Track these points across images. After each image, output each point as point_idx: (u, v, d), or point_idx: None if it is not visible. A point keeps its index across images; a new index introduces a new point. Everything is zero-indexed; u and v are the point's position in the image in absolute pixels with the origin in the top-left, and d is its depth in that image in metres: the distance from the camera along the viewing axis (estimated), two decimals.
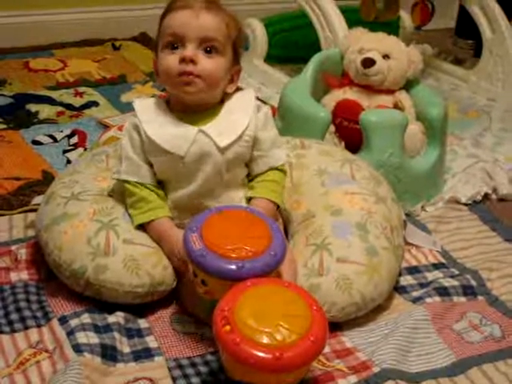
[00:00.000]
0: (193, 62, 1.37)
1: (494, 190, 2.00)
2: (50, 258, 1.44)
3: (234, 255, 1.25)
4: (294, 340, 1.12)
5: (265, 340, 1.11)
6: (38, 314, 1.40)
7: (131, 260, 1.40)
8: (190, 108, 1.44)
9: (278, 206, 1.51)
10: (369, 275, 1.43)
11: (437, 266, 1.66)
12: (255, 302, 1.17)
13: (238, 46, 1.46)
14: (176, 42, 1.39)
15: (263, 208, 1.44)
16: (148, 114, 1.45)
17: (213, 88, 1.42)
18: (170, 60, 1.39)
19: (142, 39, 3.08)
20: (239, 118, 1.45)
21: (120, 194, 1.51)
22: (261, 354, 1.10)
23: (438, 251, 1.71)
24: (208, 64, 1.39)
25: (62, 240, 1.43)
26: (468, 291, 1.56)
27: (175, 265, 1.42)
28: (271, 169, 1.50)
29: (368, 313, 1.46)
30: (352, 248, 1.46)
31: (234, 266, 1.24)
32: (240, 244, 1.27)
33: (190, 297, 1.40)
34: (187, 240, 1.28)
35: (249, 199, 1.49)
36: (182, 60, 1.38)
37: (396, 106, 1.96)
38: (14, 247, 1.59)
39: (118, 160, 1.51)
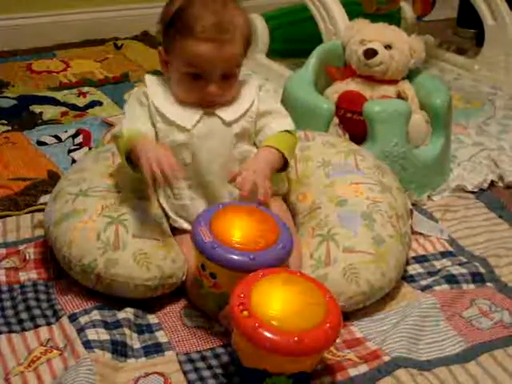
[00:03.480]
0: (217, 94, 1.44)
1: (500, 178, 1.99)
2: (60, 254, 1.45)
3: (245, 247, 1.26)
4: (312, 326, 1.14)
5: (283, 325, 1.13)
6: (48, 313, 1.41)
7: (141, 254, 1.40)
8: None
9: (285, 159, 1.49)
10: (376, 264, 1.43)
11: (445, 255, 1.66)
12: (270, 289, 1.19)
13: (250, 39, 1.49)
14: (198, 73, 1.43)
15: (264, 153, 1.45)
16: (157, 89, 1.49)
17: (231, 95, 1.49)
18: (192, 87, 1.45)
19: (144, 38, 3.08)
20: (244, 99, 1.51)
21: (128, 190, 1.51)
22: (281, 338, 1.12)
23: (445, 239, 1.71)
24: (228, 87, 1.46)
25: (71, 236, 1.43)
26: (477, 278, 1.55)
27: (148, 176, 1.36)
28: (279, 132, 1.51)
29: (377, 302, 1.46)
30: (358, 237, 1.46)
31: (246, 258, 1.25)
32: (250, 237, 1.28)
33: (196, 292, 1.40)
34: (196, 233, 1.29)
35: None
36: (206, 94, 1.44)
37: (399, 96, 1.96)
38: (21, 247, 1.60)
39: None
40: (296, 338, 1.12)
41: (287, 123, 1.53)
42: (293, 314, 1.15)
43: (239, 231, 1.29)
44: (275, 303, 1.16)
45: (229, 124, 1.48)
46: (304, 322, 1.15)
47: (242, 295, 1.17)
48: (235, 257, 1.25)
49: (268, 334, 1.12)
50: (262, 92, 1.54)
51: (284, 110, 1.57)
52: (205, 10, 1.41)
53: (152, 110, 1.47)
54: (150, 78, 1.52)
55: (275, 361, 1.15)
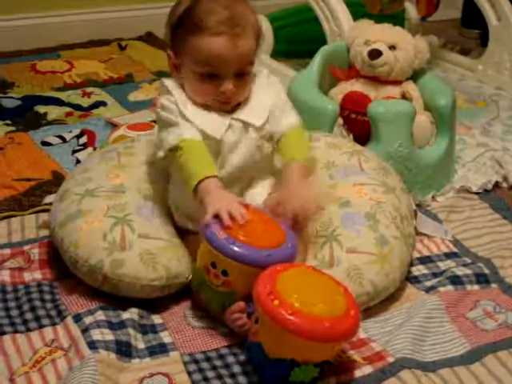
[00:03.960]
0: (232, 93, 1.42)
1: (505, 179, 1.99)
2: (66, 254, 1.45)
3: (260, 244, 1.28)
4: (339, 313, 1.19)
5: (314, 311, 1.17)
6: (53, 313, 1.41)
7: (147, 254, 1.41)
8: None
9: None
10: (380, 264, 1.43)
11: (449, 255, 1.65)
12: (293, 281, 1.23)
13: (260, 35, 1.49)
14: (212, 72, 1.41)
15: (297, 178, 1.44)
16: (180, 95, 1.46)
17: (246, 93, 1.47)
18: (206, 88, 1.42)
19: (148, 38, 3.09)
20: (263, 97, 1.49)
21: (134, 189, 1.51)
22: (314, 325, 1.16)
23: (449, 240, 1.71)
24: (244, 87, 1.44)
25: (77, 236, 1.44)
26: (481, 279, 1.55)
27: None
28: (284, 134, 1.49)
29: (381, 303, 1.46)
30: (362, 238, 1.46)
31: (263, 254, 1.27)
32: (261, 235, 1.31)
33: (200, 293, 1.40)
34: (210, 231, 1.30)
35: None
36: (221, 93, 1.42)
37: (404, 97, 1.96)
38: (26, 247, 1.60)
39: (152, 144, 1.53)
40: (327, 324, 1.16)
41: (294, 117, 1.52)
42: (319, 302, 1.19)
43: (250, 230, 1.31)
44: (301, 293, 1.20)
45: (259, 129, 1.47)
46: (332, 309, 1.19)
47: (269, 286, 1.20)
48: (253, 253, 1.27)
49: (302, 321, 1.15)
50: (270, 81, 1.53)
51: (288, 101, 1.55)
52: (215, 5, 1.39)
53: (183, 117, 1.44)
54: (169, 83, 1.47)
55: (305, 349, 1.19)
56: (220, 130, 1.44)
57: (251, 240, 1.29)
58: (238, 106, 1.47)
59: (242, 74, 1.43)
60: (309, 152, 1.52)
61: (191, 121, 1.42)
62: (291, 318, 1.16)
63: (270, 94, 1.50)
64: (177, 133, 1.41)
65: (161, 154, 1.43)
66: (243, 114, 1.46)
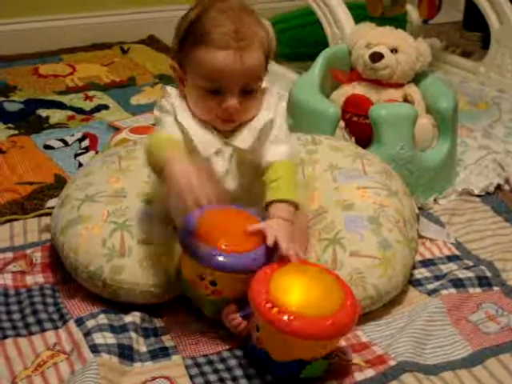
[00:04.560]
0: (236, 110, 1.35)
1: (507, 181, 1.99)
2: (67, 260, 1.45)
3: (243, 248, 1.27)
4: (337, 307, 1.20)
5: (313, 312, 1.18)
6: (55, 317, 1.41)
7: (147, 260, 1.41)
8: None
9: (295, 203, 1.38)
10: (382, 268, 1.43)
11: (451, 258, 1.65)
12: (286, 282, 1.23)
13: (271, 53, 1.41)
14: (217, 88, 1.34)
15: (281, 221, 1.33)
16: (180, 103, 1.40)
17: (252, 115, 1.40)
18: (210, 104, 1.35)
19: (150, 42, 3.09)
20: (260, 116, 1.40)
21: (134, 194, 1.51)
22: (316, 325, 1.17)
23: (451, 243, 1.71)
24: (249, 105, 1.37)
25: (77, 242, 1.44)
26: (483, 282, 1.55)
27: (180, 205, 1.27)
28: (270, 163, 1.38)
29: (383, 306, 1.46)
30: (365, 242, 1.46)
31: (249, 259, 1.27)
32: (241, 237, 1.30)
33: (195, 300, 1.40)
34: (190, 245, 1.29)
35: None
36: (225, 109, 1.34)
37: (405, 100, 1.96)
38: (28, 251, 1.60)
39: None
40: (330, 322, 1.17)
41: (287, 148, 1.40)
42: (316, 299, 1.21)
43: (229, 234, 1.30)
44: (297, 294, 1.21)
45: (246, 151, 1.39)
46: (329, 304, 1.20)
47: (264, 292, 1.20)
48: (238, 260, 1.27)
49: (304, 324, 1.16)
50: (280, 107, 1.43)
51: (287, 132, 1.44)
52: (222, 17, 1.33)
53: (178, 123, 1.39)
54: (173, 92, 1.42)
55: (311, 348, 1.21)
56: (207, 150, 1.38)
57: (234, 246, 1.28)
58: (239, 126, 1.40)
59: (249, 92, 1.35)
60: (296, 191, 1.38)
61: (183, 125, 1.37)
62: (294, 323, 1.16)
63: (269, 112, 1.40)
64: (159, 131, 1.39)
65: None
66: (236, 137, 1.39)
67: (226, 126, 1.39)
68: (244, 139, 1.39)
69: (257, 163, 1.40)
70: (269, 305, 1.18)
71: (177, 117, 1.38)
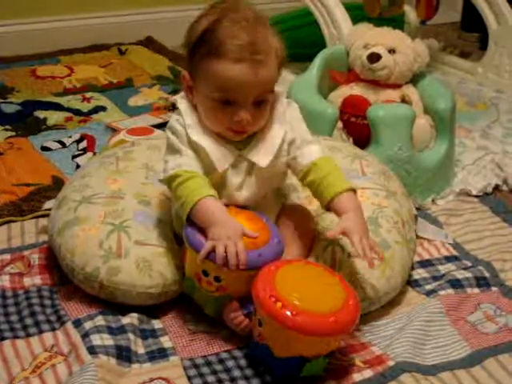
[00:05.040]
0: (247, 122, 1.32)
1: (505, 182, 1.99)
2: (64, 262, 1.45)
3: (249, 245, 1.27)
4: (340, 305, 1.21)
5: (317, 308, 1.19)
6: (53, 318, 1.41)
7: (143, 261, 1.41)
8: None
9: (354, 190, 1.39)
10: (381, 269, 1.43)
11: (449, 259, 1.65)
12: (290, 279, 1.24)
13: (283, 62, 1.38)
14: (229, 99, 1.31)
15: (348, 203, 1.35)
16: (191, 117, 1.37)
17: (262, 125, 1.37)
18: (221, 115, 1.33)
19: (148, 43, 3.09)
20: (275, 132, 1.38)
21: (131, 195, 1.51)
22: (319, 321, 1.18)
23: (449, 244, 1.71)
24: (261, 117, 1.34)
25: (74, 244, 1.44)
26: (481, 282, 1.55)
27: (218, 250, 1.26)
28: (312, 163, 1.39)
29: (381, 307, 1.46)
30: None
31: (254, 255, 1.27)
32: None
33: (197, 298, 1.39)
34: (196, 241, 1.29)
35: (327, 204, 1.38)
36: (236, 122, 1.32)
37: (403, 100, 1.96)
38: (26, 252, 1.60)
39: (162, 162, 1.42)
40: (332, 319, 1.18)
41: (312, 152, 1.40)
42: (319, 297, 1.22)
43: None
44: (301, 290, 1.22)
45: (264, 168, 1.37)
46: (332, 302, 1.22)
47: (268, 288, 1.21)
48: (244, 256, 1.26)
49: (308, 319, 1.17)
50: (290, 114, 1.41)
51: (309, 132, 1.43)
52: (236, 28, 1.29)
53: (191, 142, 1.36)
54: (182, 106, 1.38)
55: (312, 344, 1.22)
56: (223, 164, 1.36)
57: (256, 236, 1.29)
58: (251, 137, 1.38)
59: (261, 102, 1.33)
60: (348, 180, 1.39)
61: (197, 143, 1.34)
62: (297, 318, 1.17)
63: (284, 128, 1.38)
64: (177, 162, 1.35)
65: (160, 176, 1.40)
66: (251, 151, 1.37)
67: (237, 137, 1.36)
68: (262, 156, 1.37)
69: (273, 175, 1.41)
70: (272, 299, 1.19)
71: (190, 137, 1.35)
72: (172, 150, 1.37)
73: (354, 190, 1.38)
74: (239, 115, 1.31)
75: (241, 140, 1.38)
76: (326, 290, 1.25)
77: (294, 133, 1.40)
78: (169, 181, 1.35)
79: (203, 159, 1.36)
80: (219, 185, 1.38)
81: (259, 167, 1.37)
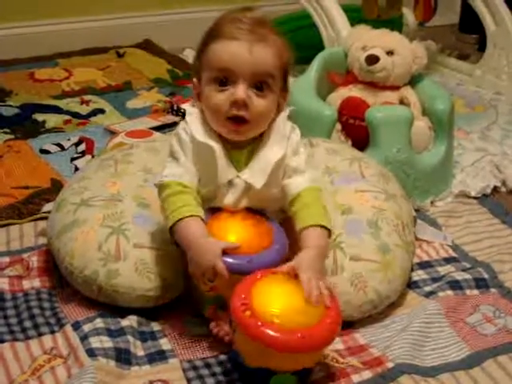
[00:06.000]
0: (245, 104, 1.29)
1: (503, 183, 2.00)
2: (63, 265, 1.45)
3: (243, 250, 1.27)
4: (312, 322, 1.17)
5: (285, 322, 1.15)
6: (52, 321, 1.41)
7: (142, 264, 1.41)
8: (232, 140, 1.36)
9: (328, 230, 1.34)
10: (383, 272, 1.43)
11: (448, 260, 1.65)
12: (270, 289, 1.21)
13: (289, 72, 1.38)
14: (225, 78, 1.30)
15: (312, 250, 1.29)
16: (198, 125, 1.36)
17: (262, 127, 1.35)
18: (219, 99, 1.30)
19: (146, 46, 3.09)
20: (275, 152, 1.35)
21: (130, 198, 1.51)
22: (284, 336, 1.14)
23: (448, 245, 1.71)
24: (260, 105, 1.31)
25: (73, 247, 1.44)
26: (480, 284, 1.55)
27: (197, 274, 1.30)
28: (297, 193, 1.36)
29: (381, 309, 1.46)
30: (364, 246, 1.46)
31: (243, 261, 1.27)
32: (245, 240, 1.30)
33: (196, 295, 1.40)
34: None
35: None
36: (234, 102, 1.30)
37: (402, 102, 1.96)
38: (25, 255, 1.60)
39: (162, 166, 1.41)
40: (299, 335, 1.14)
41: (298, 184, 1.36)
42: (294, 311, 1.18)
43: (234, 235, 1.31)
44: (276, 302, 1.19)
45: (259, 189, 1.34)
46: (306, 318, 1.17)
47: (243, 296, 1.19)
48: (233, 261, 1.26)
49: (271, 332, 1.14)
50: (293, 140, 1.38)
51: (303, 164, 1.39)
52: (241, 19, 1.31)
53: (195, 145, 1.35)
54: (191, 117, 1.37)
55: (279, 359, 1.17)
56: (224, 178, 1.34)
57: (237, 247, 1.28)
58: (250, 157, 1.35)
59: (261, 90, 1.30)
60: (327, 217, 1.35)
61: (206, 144, 1.32)
62: (261, 329, 1.14)
63: (284, 151, 1.36)
64: (173, 171, 1.34)
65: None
66: (248, 173, 1.35)
67: (236, 132, 1.33)
68: (257, 177, 1.35)
69: (269, 196, 1.38)
70: (243, 308, 1.17)
71: (197, 139, 1.33)
72: (172, 156, 1.37)
73: (326, 228, 1.32)
74: (235, 94, 1.29)
75: (239, 149, 1.35)
76: (304, 304, 1.19)
77: (291, 160, 1.38)
78: (160, 188, 1.36)
79: (206, 167, 1.34)
80: (214, 199, 1.37)
81: (255, 189, 1.35)
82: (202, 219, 1.31)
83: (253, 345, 1.17)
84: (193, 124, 1.36)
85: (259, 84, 1.31)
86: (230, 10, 1.37)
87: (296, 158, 1.38)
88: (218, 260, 1.26)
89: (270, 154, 1.36)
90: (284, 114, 1.39)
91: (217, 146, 1.34)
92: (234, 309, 1.18)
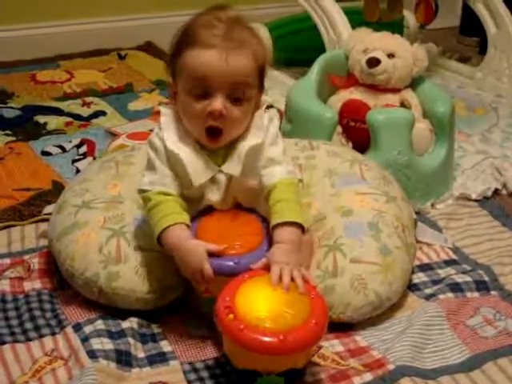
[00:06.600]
0: (221, 115, 1.30)
1: (504, 186, 2.00)
2: (63, 267, 1.45)
3: (230, 252, 1.28)
4: (296, 324, 1.16)
5: (268, 325, 1.15)
6: (53, 322, 1.41)
7: (142, 266, 1.41)
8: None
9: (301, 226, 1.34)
10: (383, 274, 1.43)
11: (449, 263, 1.65)
12: (255, 291, 1.21)
13: (265, 72, 1.37)
14: (202, 89, 1.29)
15: (286, 244, 1.29)
16: (172, 129, 1.36)
17: (239, 132, 1.35)
18: (196, 109, 1.30)
19: (148, 48, 3.09)
20: (250, 140, 1.36)
21: (131, 200, 1.51)
22: (265, 338, 1.14)
23: (449, 248, 1.71)
24: (236, 114, 1.31)
25: (73, 249, 1.44)
26: (481, 286, 1.55)
27: (189, 277, 1.33)
28: (273, 184, 1.35)
29: (381, 311, 1.46)
30: (365, 248, 1.46)
31: (231, 263, 1.27)
32: (234, 241, 1.31)
33: (193, 298, 1.41)
34: None
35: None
36: (210, 113, 1.29)
37: (402, 105, 1.96)
38: (26, 257, 1.60)
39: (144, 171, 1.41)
40: (281, 337, 1.13)
41: (274, 175, 1.35)
42: (278, 313, 1.17)
43: (224, 237, 1.31)
44: (260, 304, 1.19)
45: (238, 178, 1.35)
46: (290, 319, 1.16)
47: (228, 298, 1.19)
48: (221, 262, 1.27)
49: (253, 335, 1.14)
50: (272, 130, 1.38)
51: (281, 155, 1.38)
52: (214, 21, 1.30)
53: (169, 155, 1.35)
54: (165, 119, 1.37)
55: (263, 361, 1.17)
56: (200, 178, 1.34)
57: (224, 248, 1.29)
58: (228, 150, 1.36)
59: (238, 99, 1.30)
60: (301, 212, 1.34)
61: (174, 153, 1.32)
62: (243, 332, 1.14)
63: (258, 138, 1.35)
64: (152, 179, 1.35)
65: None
66: (227, 164, 1.35)
67: (212, 143, 1.34)
68: (234, 165, 1.35)
69: (254, 188, 1.38)
70: (226, 310, 1.17)
71: (168, 147, 1.33)
72: (149, 165, 1.37)
73: (299, 225, 1.32)
74: (212, 105, 1.28)
75: (217, 149, 1.35)
76: (290, 307, 1.18)
77: (268, 150, 1.37)
78: (143, 201, 1.38)
79: (180, 172, 1.35)
80: (198, 200, 1.37)
81: (236, 181, 1.35)
82: (188, 224, 1.32)
83: (237, 347, 1.17)
84: (166, 129, 1.36)
85: (236, 93, 1.31)
86: (202, 10, 1.36)
87: (273, 148, 1.38)
88: (204, 262, 1.27)
89: (246, 143, 1.36)
90: (261, 111, 1.38)
91: (188, 152, 1.34)
92: (217, 312, 1.19)
